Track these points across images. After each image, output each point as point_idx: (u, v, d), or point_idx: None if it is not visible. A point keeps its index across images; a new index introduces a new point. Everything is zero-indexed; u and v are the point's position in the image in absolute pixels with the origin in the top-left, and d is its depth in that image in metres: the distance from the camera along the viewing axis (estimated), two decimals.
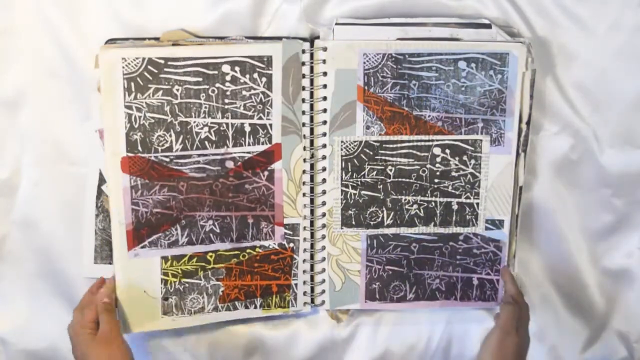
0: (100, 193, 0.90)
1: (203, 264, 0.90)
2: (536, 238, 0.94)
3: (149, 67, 0.84)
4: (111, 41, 0.86)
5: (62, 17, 0.87)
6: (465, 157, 0.89)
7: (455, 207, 0.91)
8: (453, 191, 0.90)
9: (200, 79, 0.85)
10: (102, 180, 0.90)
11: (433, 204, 0.91)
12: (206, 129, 0.86)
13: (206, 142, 0.86)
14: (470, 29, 0.88)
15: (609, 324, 0.96)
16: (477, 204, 0.91)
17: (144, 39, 0.86)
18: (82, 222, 0.91)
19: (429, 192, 0.90)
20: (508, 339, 0.82)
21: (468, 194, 0.90)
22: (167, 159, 0.86)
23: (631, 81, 0.90)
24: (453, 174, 0.90)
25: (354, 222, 0.91)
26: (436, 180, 0.90)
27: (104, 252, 0.91)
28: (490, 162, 0.89)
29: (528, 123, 0.89)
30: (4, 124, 0.89)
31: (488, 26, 0.88)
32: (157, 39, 0.87)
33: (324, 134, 0.88)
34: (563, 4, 0.89)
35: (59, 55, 0.88)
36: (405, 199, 0.90)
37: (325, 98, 0.87)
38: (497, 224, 0.91)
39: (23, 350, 0.93)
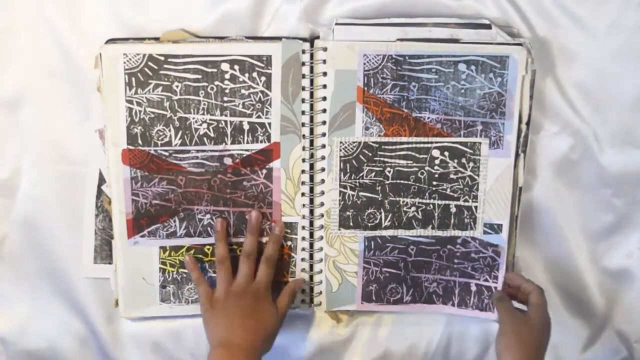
0: (100, 193, 0.90)
1: (200, 256, 0.90)
2: (536, 238, 0.94)
3: (150, 63, 0.85)
4: (111, 41, 0.86)
5: (62, 17, 0.87)
6: (464, 160, 0.89)
7: (453, 210, 0.90)
8: (451, 194, 0.90)
9: (199, 77, 0.85)
10: (102, 180, 0.90)
11: (431, 206, 0.90)
12: (205, 125, 0.86)
13: (205, 138, 0.87)
14: (470, 30, 0.87)
15: (609, 324, 0.95)
16: (476, 207, 0.90)
17: (143, 39, 0.87)
18: (82, 222, 0.91)
19: (427, 194, 0.90)
20: (522, 328, 0.83)
21: (466, 197, 0.90)
22: (167, 153, 0.87)
23: (631, 81, 0.90)
24: (452, 176, 0.89)
25: (351, 224, 0.90)
26: (434, 183, 0.89)
27: (103, 252, 0.91)
28: (489, 165, 0.89)
29: (528, 123, 0.88)
30: (4, 124, 0.90)
31: (488, 26, 0.87)
32: (157, 39, 0.87)
33: (323, 134, 0.88)
34: (563, 4, 0.88)
35: (59, 55, 0.88)
36: (403, 201, 0.90)
37: (324, 98, 0.87)
38: (495, 228, 0.90)
39: (23, 350, 0.93)
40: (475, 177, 0.89)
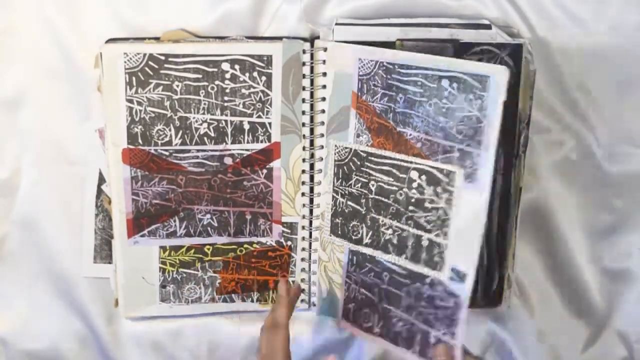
0: (100, 193, 0.90)
1: (200, 255, 0.90)
2: (536, 238, 0.94)
3: (150, 62, 0.85)
4: (111, 41, 0.86)
5: (62, 17, 0.88)
6: (439, 189, 0.80)
7: (425, 243, 0.82)
8: (425, 224, 0.81)
9: (200, 76, 0.85)
10: (102, 180, 0.90)
11: (406, 233, 0.83)
12: (205, 125, 0.86)
13: (205, 138, 0.87)
14: (470, 30, 0.87)
15: (609, 324, 0.95)
16: (446, 244, 0.80)
17: (143, 38, 0.87)
18: (82, 221, 0.91)
19: (404, 218, 0.83)
20: None
21: (438, 231, 0.80)
22: (167, 153, 0.87)
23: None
24: (427, 204, 0.81)
25: (339, 232, 0.89)
26: (410, 208, 0.82)
27: (103, 251, 0.91)
28: (462, 199, 0.78)
29: (528, 124, 0.88)
30: (4, 124, 0.90)
31: (488, 27, 0.87)
32: (157, 38, 0.87)
33: (322, 135, 0.88)
34: (563, 4, 0.89)
35: (59, 55, 0.88)
36: (382, 220, 0.85)
37: (324, 99, 0.87)
38: (460, 275, 0.79)
39: (23, 350, 0.93)
40: (448, 210, 0.79)
